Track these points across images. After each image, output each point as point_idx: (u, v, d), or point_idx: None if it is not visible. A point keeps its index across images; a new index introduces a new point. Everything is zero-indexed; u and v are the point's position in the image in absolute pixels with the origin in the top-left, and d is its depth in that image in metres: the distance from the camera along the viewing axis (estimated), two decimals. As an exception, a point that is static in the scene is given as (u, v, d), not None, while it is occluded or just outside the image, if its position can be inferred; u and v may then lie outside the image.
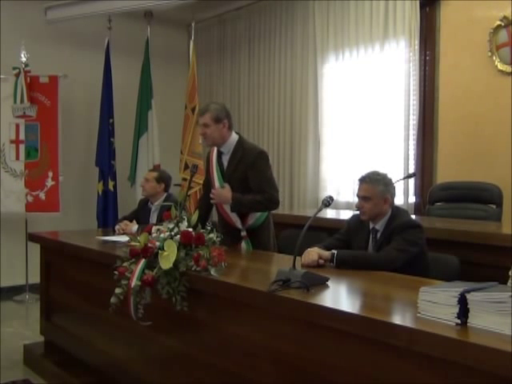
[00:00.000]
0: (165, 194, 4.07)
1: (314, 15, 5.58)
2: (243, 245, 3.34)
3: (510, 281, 2.23)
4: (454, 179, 4.39)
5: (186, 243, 2.57)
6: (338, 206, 5.11)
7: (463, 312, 1.67)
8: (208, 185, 3.47)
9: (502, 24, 4.25)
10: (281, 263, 2.70)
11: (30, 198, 5.71)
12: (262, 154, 3.30)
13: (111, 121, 6.09)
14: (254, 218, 3.34)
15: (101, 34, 6.11)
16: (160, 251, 2.53)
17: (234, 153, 3.29)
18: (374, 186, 2.83)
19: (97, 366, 3.34)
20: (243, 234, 3.33)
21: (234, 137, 3.32)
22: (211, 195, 3.29)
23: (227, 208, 3.31)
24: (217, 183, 3.34)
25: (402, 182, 4.57)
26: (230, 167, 3.30)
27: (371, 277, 2.47)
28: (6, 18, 5.81)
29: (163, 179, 4.09)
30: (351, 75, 5.28)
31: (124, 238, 3.31)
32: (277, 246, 3.54)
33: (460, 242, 3.23)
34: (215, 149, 3.40)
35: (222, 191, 3.25)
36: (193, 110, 5.98)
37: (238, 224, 3.33)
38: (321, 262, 2.64)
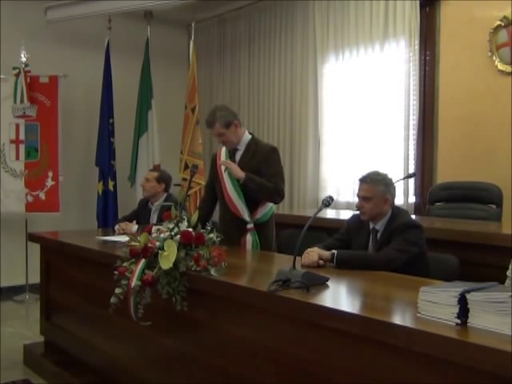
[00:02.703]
0: (165, 194, 4.07)
1: (314, 15, 5.58)
2: (249, 237, 3.33)
3: (507, 281, 2.24)
4: (454, 179, 4.38)
5: (186, 243, 2.57)
6: (338, 206, 5.11)
7: (463, 312, 1.67)
8: (211, 186, 3.51)
9: (502, 24, 4.25)
10: (281, 263, 2.69)
11: (30, 198, 5.71)
12: (274, 149, 3.46)
13: (111, 121, 6.09)
14: (263, 212, 3.38)
15: (101, 34, 6.11)
16: (160, 251, 2.53)
17: (248, 147, 3.39)
18: (375, 186, 2.83)
19: (97, 366, 3.33)
20: (250, 226, 3.34)
21: (248, 134, 3.43)
22: (222, 161, 3.36)
23: (234, 197, 3.30)
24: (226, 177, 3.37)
25: (402, 182, 4.57)
26: (244, 160, 3.36)
27: (371, 277, 2.47)
28: (6, 18, 5.82)
29: (163, 179, 4.09)
30: (351, 75, 5.27)
31: (124, 238, 3.31)
32: (277, 245, 3.55)
33: (460, 241, 3.22)
34: (223, 149, 3.46)
35: (235, 165, 3.31)
36: (193, 109, 5.98)
37: (246, 216, 3.33)
38: (321, 262, 2.64)
